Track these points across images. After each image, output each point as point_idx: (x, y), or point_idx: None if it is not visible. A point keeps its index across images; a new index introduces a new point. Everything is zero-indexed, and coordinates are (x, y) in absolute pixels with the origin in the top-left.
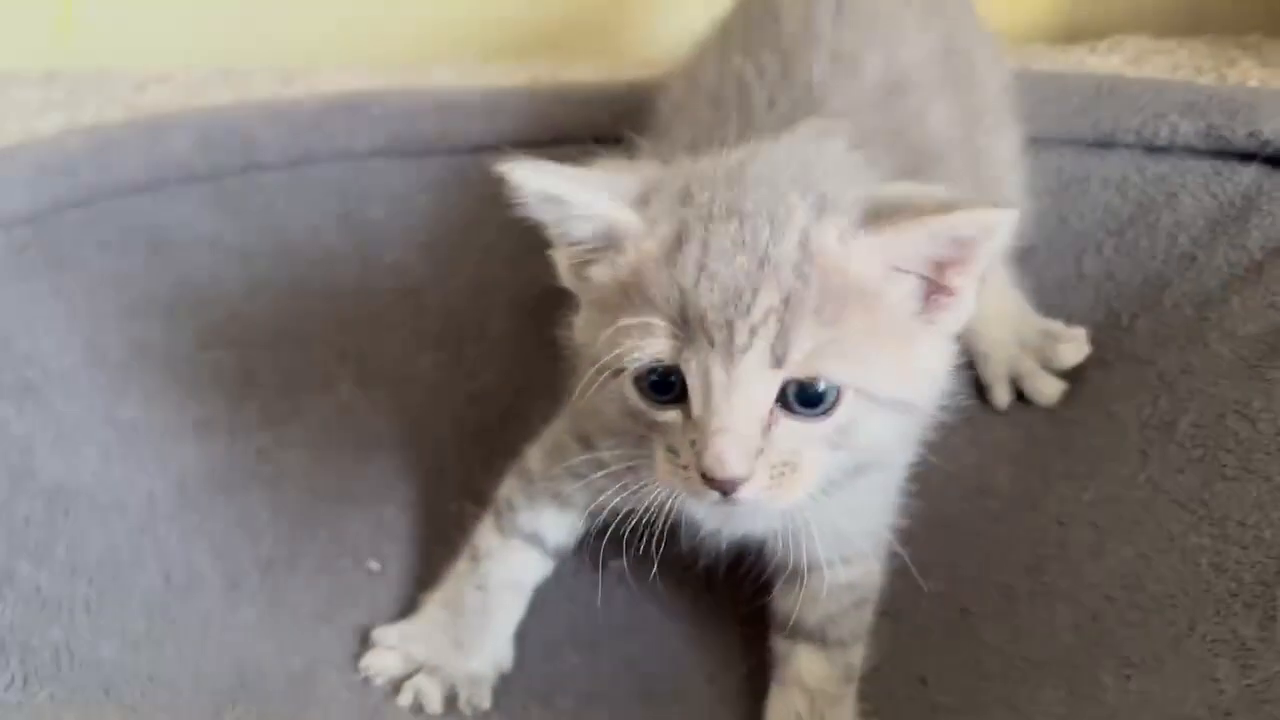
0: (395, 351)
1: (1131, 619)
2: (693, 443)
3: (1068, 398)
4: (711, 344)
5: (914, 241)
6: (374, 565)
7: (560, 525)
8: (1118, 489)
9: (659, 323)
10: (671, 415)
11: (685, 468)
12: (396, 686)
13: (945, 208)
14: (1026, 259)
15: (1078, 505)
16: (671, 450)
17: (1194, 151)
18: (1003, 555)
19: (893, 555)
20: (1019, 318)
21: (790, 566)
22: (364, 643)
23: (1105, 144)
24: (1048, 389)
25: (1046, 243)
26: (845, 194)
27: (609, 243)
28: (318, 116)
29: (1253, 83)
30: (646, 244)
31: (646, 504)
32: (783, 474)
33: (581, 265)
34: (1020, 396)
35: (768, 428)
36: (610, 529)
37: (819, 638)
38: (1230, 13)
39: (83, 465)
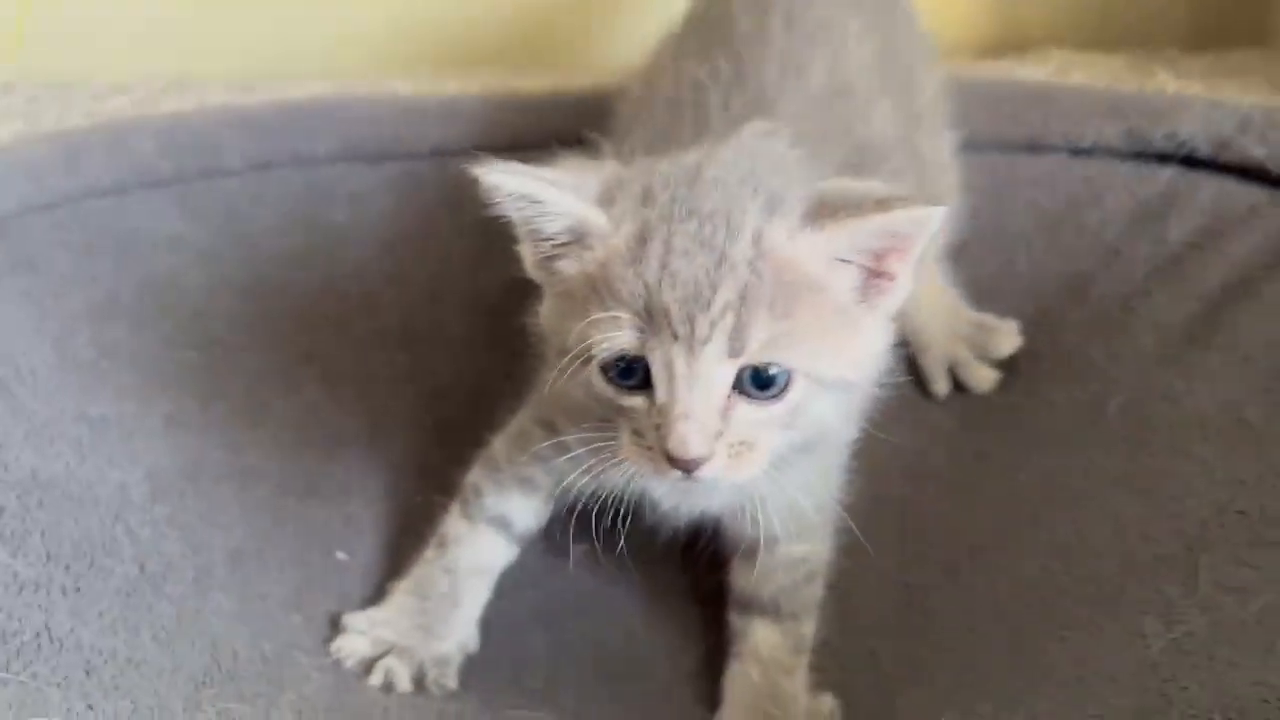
0: (358, 351)
1: (1067, 586)
2: (657, 426)
3: (1002, 386)
4: (675, 337)
5: (855, 236)
6: (342, 556)
7: (526, 510)
8: (1052, 468)
9: (625, 316)
10: (637, 400)
11: (650, 449)
12: (367, 668)
13: (884, 205)
14: (961, 256)
15: (1014, 484)
16: (637, 433)
17: (1117, 154)
18: (945, 533)
19: (841, 533)
20: (955, 312)
21: (745, 542)
22: (334, 629)
23: (1035, 147)
24: (983, 378)
25: (980, 240)
26: (791, 192)
27: (577, 238)
28: (280, 121)
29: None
30: (613, 241)
31: (609, 485)
32: (739, 453)
33: (550, 259)
34: (958, 386)
35: (726, 411)
36: (574, 513)
37: (773, 610)
38: (1147, 29)
39: (55, 459)
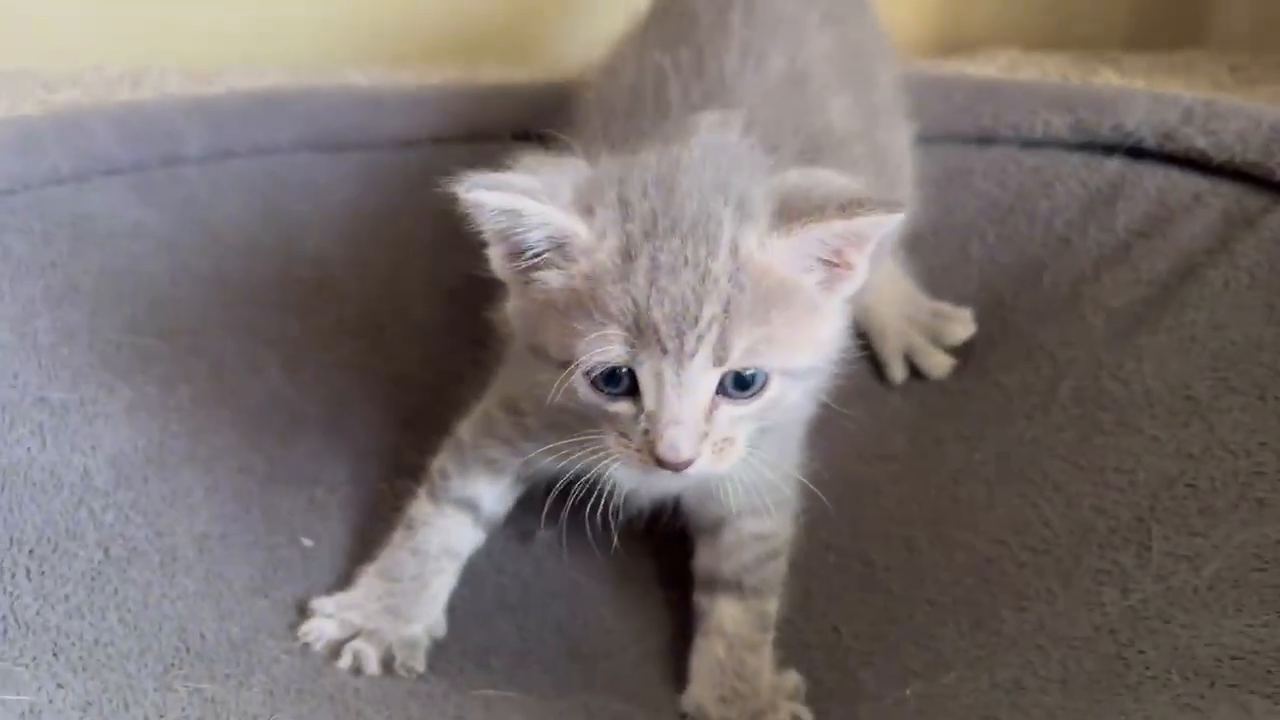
0: (319, 338)
1: (1024, 559)
2: (645, 431)
3: (957, 371)
4: (664, 351)
5: (821, 238)
6: (307, 542)
7: (492, 493)
8: (1006, 448)
9: (615, 331)
10: (622, 406)
11: (638, 450)
12: (334, 651)
13: (847, 211)
14: (916, 245)
15: (969, 464)
16: (622, 435)
17: (1066, 145)
18: (903, 512)
19: (802, 513)
20: (910, 300)
21: (708, 520)
22: (301, 614)
23: (986, 139)
24: (938, 364)
25: (933, 230)
26: (755, 191)
27: (555, 247)
28: (240, 111)
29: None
30: (598, 256)
31: (573, 467)
32: (722, 448)
33: (528, 269)
34: (915, 372)
35: (709, 414)
36: (539, 499)
37: (736, 587)
38: (1091, 30)
39: (16, 444)
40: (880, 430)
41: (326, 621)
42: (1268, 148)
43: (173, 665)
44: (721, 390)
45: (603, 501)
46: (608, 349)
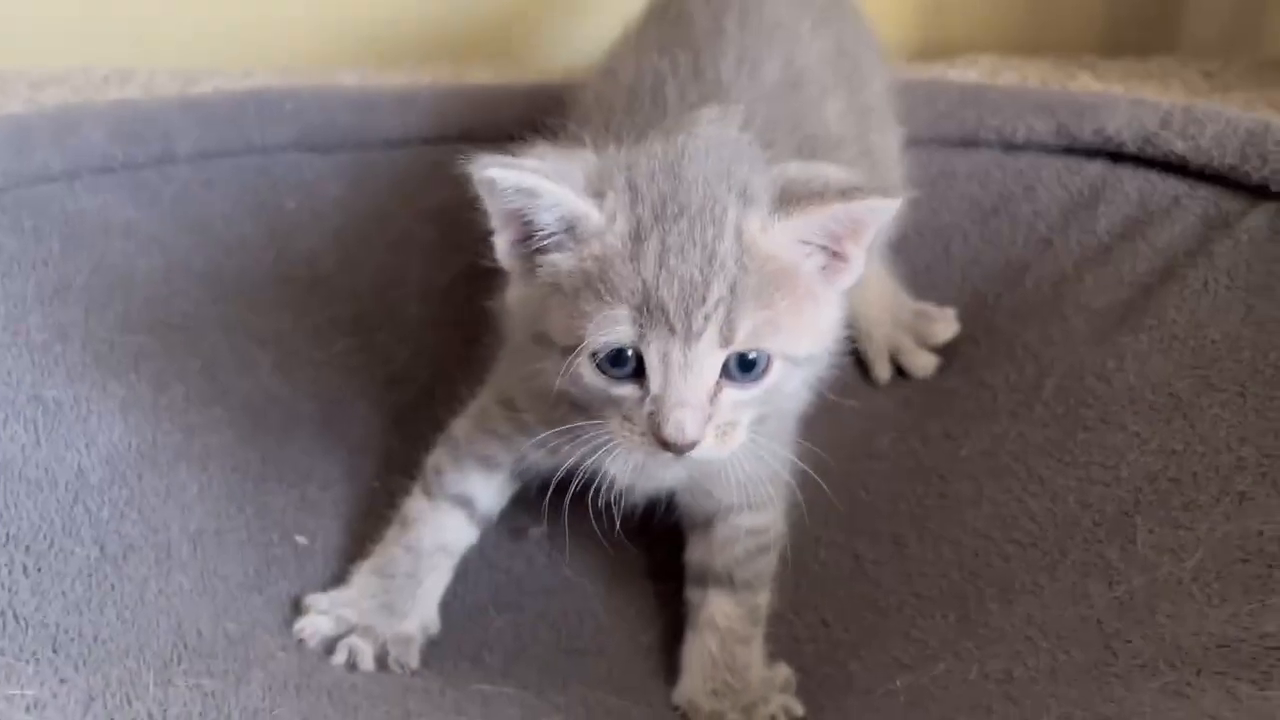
0: (311, 336)
1: (1010, 553)
2: (650, 413)
3: (942, 370)
4: (672, 331)
5: (821, 221)
6: (301, 540)
7: (487, 489)
8: (991, 445)
9: (624, 311)
10: (628, 389)
11: (643, 434)
12: (330, 647)
13: (847, 195)
14: (900, 247)
15: (955, 461)
16: (626, 418)
17: (1047, 149)
18: (891, 508)
19: (793, 509)
20: (895, 301)
21: (701, 515)
22: (296, 611)
23: (969, 143)
24: (923, 363)
25: (918, 232)
26: (757, 181)
27: (567, 229)
28: (232, 111)
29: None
30: (608, 238)
31: (567, 462)
32: (725, 432)
33: (535, 252)
34: (900, 371)
35: (714, 396)
36: (531, 494)
37: (728, 581)
38: (1068, 36)
39: (10, 441)
40: (867, 428)
41: (321, 618)
42: (1244, 152)
43: (172, 661)
44: (726, 374)
45: (598, 497)
46: (616, 329)
